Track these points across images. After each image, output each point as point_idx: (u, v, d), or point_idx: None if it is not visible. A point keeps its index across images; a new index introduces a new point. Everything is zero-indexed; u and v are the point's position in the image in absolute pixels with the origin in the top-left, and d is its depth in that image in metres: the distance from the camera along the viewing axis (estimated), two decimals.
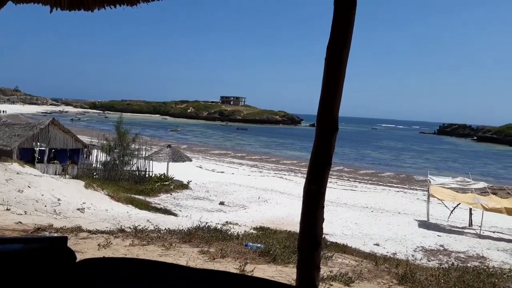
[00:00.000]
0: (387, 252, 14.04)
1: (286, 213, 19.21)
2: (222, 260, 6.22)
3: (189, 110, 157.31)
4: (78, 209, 12.38)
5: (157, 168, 24.95)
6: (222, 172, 33.63)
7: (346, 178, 36.67)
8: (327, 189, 2.92)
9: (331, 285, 5.41)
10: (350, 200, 24.78)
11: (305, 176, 2.88)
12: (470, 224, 20.43)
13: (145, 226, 9.27)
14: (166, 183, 23.28)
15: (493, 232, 19.44)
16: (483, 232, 18.89)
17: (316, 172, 2.67)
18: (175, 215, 16.02)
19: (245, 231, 11.75)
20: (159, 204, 18.49)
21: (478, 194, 20.29)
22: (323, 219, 2.87)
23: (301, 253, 2.92)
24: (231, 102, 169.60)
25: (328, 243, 10.66)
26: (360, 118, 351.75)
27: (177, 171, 25.79)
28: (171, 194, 21.54)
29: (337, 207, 22.05)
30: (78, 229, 7.70)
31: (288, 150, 63.03)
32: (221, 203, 20.34)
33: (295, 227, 14.45)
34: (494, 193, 20.71)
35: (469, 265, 11.25)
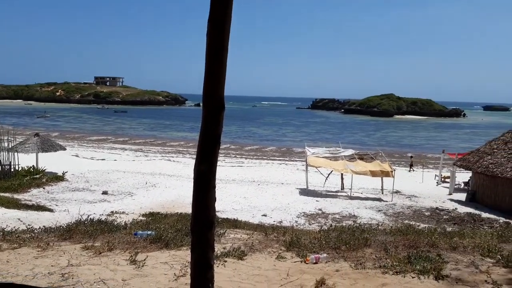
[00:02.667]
0: (274, 221, 14.97)
1: (176, 196, 18.98)
2: (109, 253, 5.84)
3: (58, 93, 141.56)
4: None
5: (25, 160, 22.12)
6: (103, 159, 31.45)
7: (234, 155, 37.65)
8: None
9: (225, 261, 5.53)
10: (238, 176, 25.58)
11: (193, 157, 2.81)
12: (342, 187, 22.99)
13: (15, 226, 8.21)
14: (37, 176, 20.82)
15: (361, 193, 22.20)
16: (353, 194, 21.44)
17: (206, 152, 2.61)
18: (51, 211, 14.50)
19: (133, 219, 11.27)
20: (30, 200, 16.48)
21: (347, 160, 22.81)
22: (215, 199, 2.85)
23: (194, 235, 2.87)
24: (107, 83, 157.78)
25: (220, 220, 10.87)
26: (243, 96, 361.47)
27: (50, 162, 23.30)
28: (44, 188, 19.39)
29: (226, 184, 22.58)
30: None
31: (174, 131, 61.80)
32: (104, 193, 19.09)
33: (187, 209, 14.39)
34: (361, 159, 23.48)
35: (344, 224, 12.66)
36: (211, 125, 2.54)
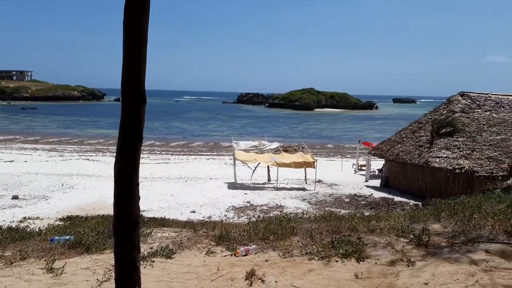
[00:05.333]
0: (203, 217, 14.88)
1: (97, 197, 17.95)
2: (22, 262, 5.33)
3: None
4: None
5: None
6: (11, 161, 28.58)
7: (159, 152, 36.55)
8: (140, 165, 2.76)
9: (153, 261, 5.34)
10: (164, 173, 24.90)
11: (114, 155, 2.63)
12: (269, 179, 23.56)
13: None
14: None
15: (287, 183, 22.94)
16: (279, 185, 22.09)
17: (127, 148, 2.46)
18: None
19: (49, 224, 10.46)
20: None
21: (273, 153, 23.41)
22: (139, 197, 2.71)
23: (117, 236, 2.71)
24: (14, 77, 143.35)
25: (146, 219, 10.49)
26: (166, 91, 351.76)
27: None
28: None
29: (152, 181, 21.88)
30: None
31: (92, 128, 58.17)
32: (15, 197, 17.40)
33: (109, 210, 13.65)
34: (285, 151, 24.25)
35: (271, 215, 12.99)
36: (132, 119, 2.40)
